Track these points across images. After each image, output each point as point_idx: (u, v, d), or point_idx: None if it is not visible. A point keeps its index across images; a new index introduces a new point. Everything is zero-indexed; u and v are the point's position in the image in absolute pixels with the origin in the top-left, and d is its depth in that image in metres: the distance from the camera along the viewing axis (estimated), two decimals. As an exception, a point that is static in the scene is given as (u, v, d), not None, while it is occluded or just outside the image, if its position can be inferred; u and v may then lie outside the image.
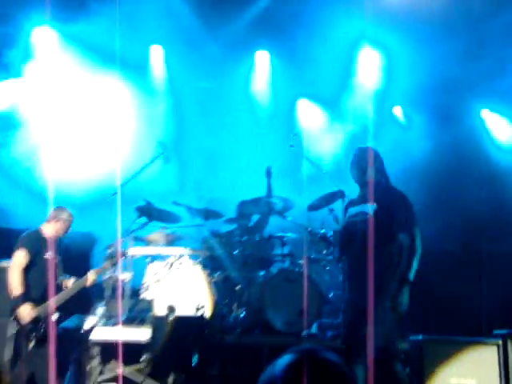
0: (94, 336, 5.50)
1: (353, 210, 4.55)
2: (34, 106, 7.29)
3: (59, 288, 5.35)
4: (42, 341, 5.09)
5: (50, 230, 5.42)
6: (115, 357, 5.44)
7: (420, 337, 5.21)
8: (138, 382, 5.28)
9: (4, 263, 5.61)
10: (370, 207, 4.32)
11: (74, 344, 5.53)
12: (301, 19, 7.48)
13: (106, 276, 6.26)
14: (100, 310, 5.83)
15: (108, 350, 5.35)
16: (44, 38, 7.48)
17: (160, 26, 7.45)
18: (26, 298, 5.12)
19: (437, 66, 7.44)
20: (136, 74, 7.87)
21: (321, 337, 6.00)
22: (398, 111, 8.42)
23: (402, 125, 8.37)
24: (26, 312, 5.04)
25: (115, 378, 5.39)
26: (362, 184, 4.51)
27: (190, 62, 7.97)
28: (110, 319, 5.83)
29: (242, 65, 8.30)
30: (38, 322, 5.10)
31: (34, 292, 5.21)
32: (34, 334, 5.09)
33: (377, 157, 4.49)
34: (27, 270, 5.22)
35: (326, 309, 6.15)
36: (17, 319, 5.08)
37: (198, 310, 5.57)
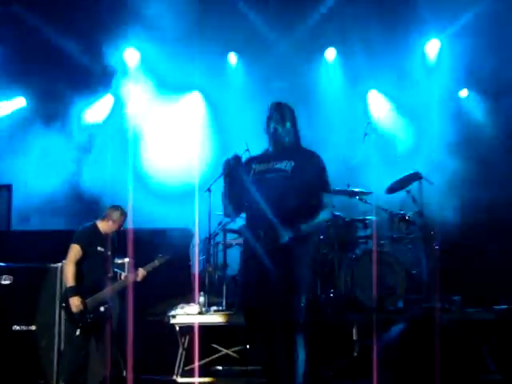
0: (185, 321, 6.04)
1: (262, 167, 4.25)
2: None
3: (111, 281, 5.67)
4: (88, 330, 5.45)
5: (103, 226, 5.75)
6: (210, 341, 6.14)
7: (504, 306, 5.55)
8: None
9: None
10: (288, 164, 4.18)
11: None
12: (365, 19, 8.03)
13: (203, 268, 7.02)
14: (201, 298, 6.46)
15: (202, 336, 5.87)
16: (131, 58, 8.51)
17: (234, 34, 8.17)
18: (77, 289, 5.43)
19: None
20: (214, 81, 8.72)
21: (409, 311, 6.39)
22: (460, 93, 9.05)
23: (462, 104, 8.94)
24: (75, 304, 5.36)
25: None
26: (275, 140, 4.28)
27: (263, 64, 8.71)
28: (210, 306, 6.49)
29: (313, 62, 8.96)
30: (85, 313, 5.41)
31: (86, 284, 5.51)
32: (80, 324, 5.41)
33: (293, 115, 4.38)
34: (81, 263, 5.54)
35: (410, 285, 6.42)
36: (67, 308, 5.43)
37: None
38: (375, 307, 6.16)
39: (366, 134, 6.62)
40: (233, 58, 9.08)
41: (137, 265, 5.89)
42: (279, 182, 4.12)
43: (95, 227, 5.77)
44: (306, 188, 4.13)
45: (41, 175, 8.15)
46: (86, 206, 8.21)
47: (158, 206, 8.02)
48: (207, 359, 6.17)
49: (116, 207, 5.88)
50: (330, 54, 9.06)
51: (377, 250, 6.44)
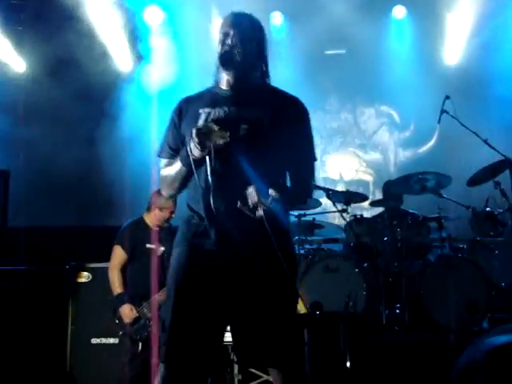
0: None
1: (218, 113, 2.87)
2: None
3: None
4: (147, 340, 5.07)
5: (150, 219, 5.39)
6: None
7: None
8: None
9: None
10: (261, 112, 2.86)
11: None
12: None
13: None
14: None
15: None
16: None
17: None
18: (127, 296, 5.17)
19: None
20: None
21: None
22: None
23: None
24: (126, 313, 5.10)
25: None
26: (237, 74, 2.92)
27: (315, 29, 7.99)
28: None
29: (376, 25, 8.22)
30: (141, 322, 5.12)
31: (138, 289, 5.19)
32: (138, 336, 5.11)
33: (263, 36, 3.08)
34: (128, 266, 5.28)
35: (497, 301, 5.80)
36: (120, 320, 5.15)
37: (347, 305, 5.50)
38: (453, 327, 5.52)
39: (442, 112, 5.84)
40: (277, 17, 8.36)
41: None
42: (250, 138, 2.78)
43: (140, 222, 5.43)
44: (291, 151, 2.87)
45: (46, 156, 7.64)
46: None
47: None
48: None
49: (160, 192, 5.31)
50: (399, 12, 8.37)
51: (455, 256, 5.97)
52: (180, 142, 2.93)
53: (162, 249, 5.29)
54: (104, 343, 5.76)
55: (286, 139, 2.83)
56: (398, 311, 5.90)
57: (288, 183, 2.96)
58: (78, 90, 7.80)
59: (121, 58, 8.44)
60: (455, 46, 8.21)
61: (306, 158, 2.97)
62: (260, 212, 2.60)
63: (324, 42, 8.23)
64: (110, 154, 7.52)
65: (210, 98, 2.94)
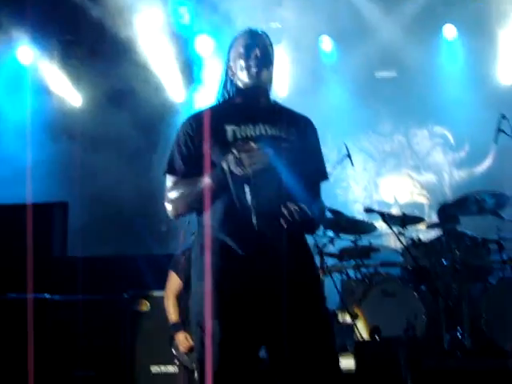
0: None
1: (245, 130, 2.79)
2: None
3: None
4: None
5: None
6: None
7: None
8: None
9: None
10: (285, 130, 2.84)
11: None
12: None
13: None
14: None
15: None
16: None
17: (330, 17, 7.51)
18: (183, 324, 5.00)
19: None
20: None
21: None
22: None
23: None
24: (181, 341, 4.94)
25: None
26: (256, 90, 2.89)
27: (365, 52, 7.98)
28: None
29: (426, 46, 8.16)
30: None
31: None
32: (194, 365, 4.99)
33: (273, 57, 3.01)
34: (185, 292, 5.04)
35: None
36: (176, 349, 5.01)
37: (407, 330, 5.40)
38: None
39: (499, 131, 5.69)
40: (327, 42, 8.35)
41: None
42: (274, 156, 2.69)
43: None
44: (304, 167, 2.80)
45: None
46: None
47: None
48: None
49: None
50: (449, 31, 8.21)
51: None
52: (195, 159, 2.79)
53: None
54: (164, 372, 5.72)
55: (299, 156, 2.79)
56: (459, 336, 5.71)
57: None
58: (134, 122, 7.96)
59: (174, 88, 8.57)
60: (508, 64, 8.05)
61: (319, 175, 2.96)
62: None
63: (374, 65, 8.20)
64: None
65: (231, 113, 2.86)
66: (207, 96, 7.99)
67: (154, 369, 5.77)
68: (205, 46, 8.25)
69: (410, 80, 8.04)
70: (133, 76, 7.65)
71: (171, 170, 2.88)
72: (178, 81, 8.53)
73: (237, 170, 2.60)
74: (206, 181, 2.69)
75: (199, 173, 2.73)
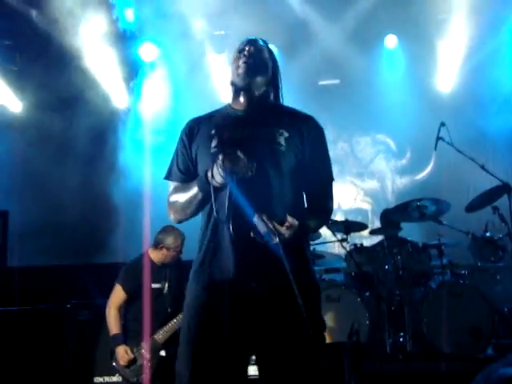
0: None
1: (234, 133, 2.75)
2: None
3: (167, 321, 5.07)
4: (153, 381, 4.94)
5: (156, 256, 5.16)
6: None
7: None
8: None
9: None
10: (278, 133, 2.77)
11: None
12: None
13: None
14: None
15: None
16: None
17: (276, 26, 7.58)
18: (123, 337, 5.02)
19: None
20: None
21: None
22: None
23: None
24: (121, 354, 4.95)
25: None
26: (251, 93, 2.87)
27: (308, 60, 8.08)
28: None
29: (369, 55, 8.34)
30: (138, 363, 4.97)
31: (139, 328, 4.96)
32: (135, 378, 4.98)
33: (275, 59, 3.03)
34: (129, 306, 5.11)
35: (501, 326, 5.79)
36: (116, 362, 5.00)
37: (351, 335, 5.47)
38: (457, 355, 5.50)
39: (438, 139, 5.86)
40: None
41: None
42: (271, 160, 2.69)
43: (145, 259, 5.15)
44: (308, 170, 2.79)
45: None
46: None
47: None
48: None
49: (168, 230, 5.18)
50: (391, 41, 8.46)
51: (456, 283, 5.93)
52: (190, 163, 2.83)
53: (166, 286, 5.14)
54: (107, 382, 5.60)
55: (302, 158, 2.75)
56: (401, 339, 5.86)
57: (305, 204, 2.84)
58: (77, 129, 7.87)
59: (118, 95, 8.52)
60: (448, 72, 8.29)
61: (324, 177, 2.87)
62: (275, 240, 2.47)
63: (317, 73, 8.33)
64: (107, 191, 7.55)
65: (222, 118, 2.85)
66: (150, 103, 7.98)
67: (97, 379, 5.62)
68: (148, 52, 8.29)
69: (352, 88, 8.17)
70: (77, 83, 7.54)
71: (169, 175, 2.91)
72: (122, 88, 8.47)
73: (218, 178, 2.57)
74: (195, 188, 2.70)
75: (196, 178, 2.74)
